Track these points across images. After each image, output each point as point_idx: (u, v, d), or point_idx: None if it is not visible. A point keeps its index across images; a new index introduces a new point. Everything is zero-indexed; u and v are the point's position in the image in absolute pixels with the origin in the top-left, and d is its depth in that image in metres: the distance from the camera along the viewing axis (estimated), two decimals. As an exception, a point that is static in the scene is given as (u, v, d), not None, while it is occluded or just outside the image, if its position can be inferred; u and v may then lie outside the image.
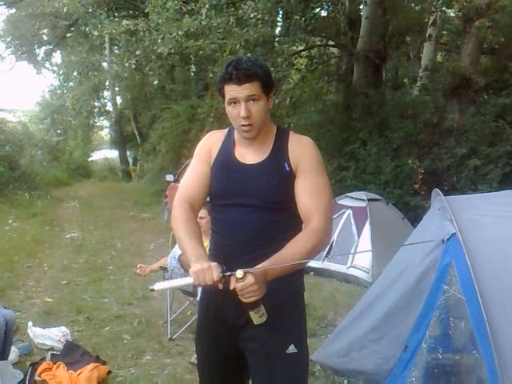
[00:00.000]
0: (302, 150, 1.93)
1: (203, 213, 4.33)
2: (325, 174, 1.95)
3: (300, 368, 2.00)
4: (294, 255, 1.78)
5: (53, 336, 4.05)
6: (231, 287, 1.66)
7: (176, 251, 4.30)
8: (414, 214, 7.65)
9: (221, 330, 2.02)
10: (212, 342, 2.09)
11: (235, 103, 1.87)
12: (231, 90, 1.85)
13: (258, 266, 1.71)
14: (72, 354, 3.68)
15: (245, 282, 1.64)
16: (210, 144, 2.07)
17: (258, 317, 1.74)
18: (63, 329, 4.20)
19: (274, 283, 1.82)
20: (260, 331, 1.91)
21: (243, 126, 1.89)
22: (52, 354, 3.70)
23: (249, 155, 1.97)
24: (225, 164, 2.00)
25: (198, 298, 3.74)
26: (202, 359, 2.18)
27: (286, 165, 1.91)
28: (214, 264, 1.68)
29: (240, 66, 1.83)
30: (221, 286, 1.68)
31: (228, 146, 2.02)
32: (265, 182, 1.91)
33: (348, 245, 6.57)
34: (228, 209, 1.97)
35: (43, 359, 3.63)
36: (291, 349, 1.93)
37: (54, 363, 3.47)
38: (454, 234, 2.82)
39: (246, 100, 1.85)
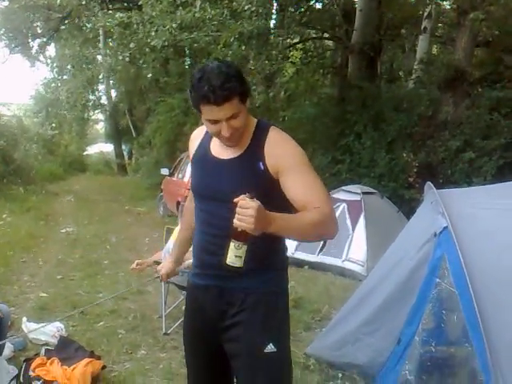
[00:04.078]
0: (281, 150, 1.85)
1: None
2: (312, 169, 1.89)
3: (280, 367, 1.97)
4: (302, 221, 1.74)
5: (47, 331, 4.03)
6: (236, 199, 1.61)
7: (170, 246, 4.29)
8: (408, 207, 7.66)
9: (205, 331, 2.04)
10: (196, 342, 2.11)
11: (215, 122, 1.81)
12: (210, 111, 1.78)
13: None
14: (66, 350, 3.66)
15: (248, 202, 1.59)
16: (191, 142, 2.11)
17: (233, 254, 1.66)
18: (57, 324, 4.18)
19: (253, 281, 1.84)
20: (240, 332, 1.92)
21: (225, 140, 1.87)
22: (46, 350, 3.68)
23: (223, 150, 1.94)
24: (201, 158, 2.02)
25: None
26: (188, 358, 2.20)
27: (261, 164, 1.85)
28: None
29: (216, 85, 1.72)
30: None
31: (206, 140, 2.03)
32: (233, 178, 1.88)
33: (342, 238, 6.57)
34: (204, 201, 1.99)
35: (37, 354, 3.61)
36: (270, 348, 1.91)
37: (48, 358, 3.46)
38: (446, 227, 2.82)
39: (227, 119, 1.79)
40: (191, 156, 2.08)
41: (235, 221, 1.60)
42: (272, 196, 1.77)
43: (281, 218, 1.69)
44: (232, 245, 1.67)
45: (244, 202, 1.60)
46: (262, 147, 1.87)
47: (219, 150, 1.96)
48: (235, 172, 1.89)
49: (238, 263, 1.68)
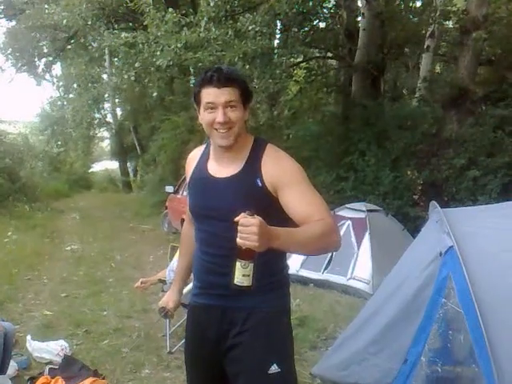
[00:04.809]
0: (279, 166, 1.86)
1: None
2: (310, 183, 1.88)
3: None
4: (305, 233, 1.74)
5: (51, 350, 4.03)
6: (236, 218, 1.59)
7: (174, 264, 4.29)
8: (413, 225, 7.63)
9: (206, 352, 2.01)
10: (198, 363, 2.08)
11: (212, 108, 1.84)
12: (209, 94, 1.83)
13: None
14: (70, 368, 3.65)
15: (249, 219, 1.56)
16: (188, 163, 2.11)
17: (240, 274, 1.62)
18: (62, 342, 4.18)
19: (255, 300, 1.82)
20: (242, 352, 1.89)
21: (219, 131, 1.85)
22: (50, 368, 3.67)
23: (221, 168, 1.95)
24: (198, 179, 2.02)
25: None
26: (189, 380, 2.16)
27: (258, 180, 1.85)
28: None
29: (220, 71, 1.84)
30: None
31: (203, 160, 2.03)
32: (232, 197, 1.87)
33: (347, 256, 6.54)
34: (203, 221, 1.98)
35: (41, 373, 3.61)
36: (274, 369, 1.87)
37: (52, 377, 3.45)
38: (452, 247, 2.82)
39: (224, 106, 1.82)
40: (188, 177, 2.08)
41: (238, 240, 1.58)
42: (271, 212, 1.76)
43: (284, 232, 1.68)
44: (238, 264, 1.63)
45: (245, 219, 1.58)
46: (258, 164, 1.88)
47: (216, 169, 1.96)
48: (233, 190, 1.89)
49: (246, 282, 1.64)
